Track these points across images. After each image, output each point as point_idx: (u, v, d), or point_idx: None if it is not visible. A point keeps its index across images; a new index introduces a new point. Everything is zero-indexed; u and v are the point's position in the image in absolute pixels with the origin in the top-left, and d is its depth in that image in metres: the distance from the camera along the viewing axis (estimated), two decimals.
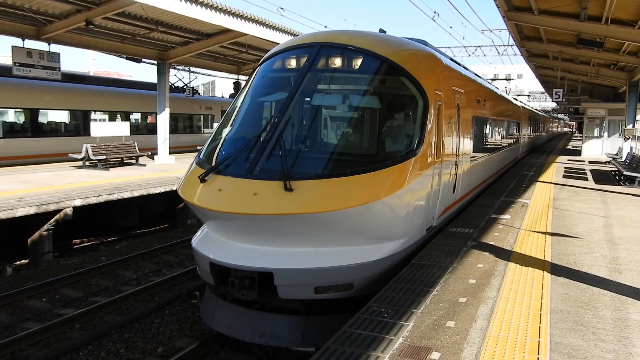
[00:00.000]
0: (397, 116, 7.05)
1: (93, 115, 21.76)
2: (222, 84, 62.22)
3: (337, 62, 6.72)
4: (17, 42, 14.99)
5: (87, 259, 11.68)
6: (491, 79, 34.49)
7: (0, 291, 9.38)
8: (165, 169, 17.93)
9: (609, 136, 28.84)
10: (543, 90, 49.80)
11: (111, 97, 22.74)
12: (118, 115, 23.11)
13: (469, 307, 5.11)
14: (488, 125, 13.01)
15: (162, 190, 14.00)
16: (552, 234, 8.41)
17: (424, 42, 8.68)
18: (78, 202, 11.59)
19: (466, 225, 8.86)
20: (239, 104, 7.30)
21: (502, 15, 15.13)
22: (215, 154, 6.63)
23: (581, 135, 38.04)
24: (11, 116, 19.68)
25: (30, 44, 15.38)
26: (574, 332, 4.59)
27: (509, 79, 46.63)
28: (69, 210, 11.34)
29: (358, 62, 6.74)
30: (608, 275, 6.34)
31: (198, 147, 16.45)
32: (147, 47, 18.99)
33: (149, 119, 25.09)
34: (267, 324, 6.20)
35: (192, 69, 27.81)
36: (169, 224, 16.01)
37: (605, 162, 24.06)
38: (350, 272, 6.06)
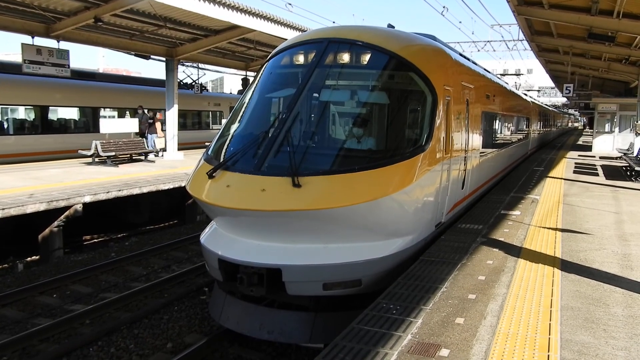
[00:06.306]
0: (406, 112, 7.00)
1: (102, 112, 21.86)
2: (231, 81, 62.37)
3: (346, 57, 6.68)
4: (27, 39, 15.07)
5: (97, 255, 11.75)
6: (501, 74, 34.22)
7: (11, 287, 9.46)
8: (174, 165, 17.98)
9: (620, 131, 28.53)
10: (553, 85, 49.43)
11: (120, 94, 22.83)
12: (127, 112, 23.21)
13: (479, 303, 5.08)
14: (497, 121, 12.92)
15: (171, 187, 14.05)
16: (563, 230, 8.34)
17: (433, 37, 8.61)
18: (88, 199, 11.66)
19: (475, 221, 8.80)
20: (246, 100, 7.29)
21: (512, 9, 15.02)
22: (224, 150, 6.62)
23: (591, 130, 37.71)
24: (21, 113, 19.82)
25: (40, 41, 15.46)
26: (584, 329, 4.54)
27: (519, 74, 46.28)
28: (79, 207, 11.40)
29: (366, 58, 6.70)
30: (619, 272, 6.27)
31: (206, 143, 16.45)
32: (156, 44, 19.02)
33: (158, 116, 25.15)
34: (275, 320, 6.21)
35: (201, 65, 27.81)
36: (178, 221, 16.06)
37: (616, 158, 23.83)
38: (359, 268, 6.04)
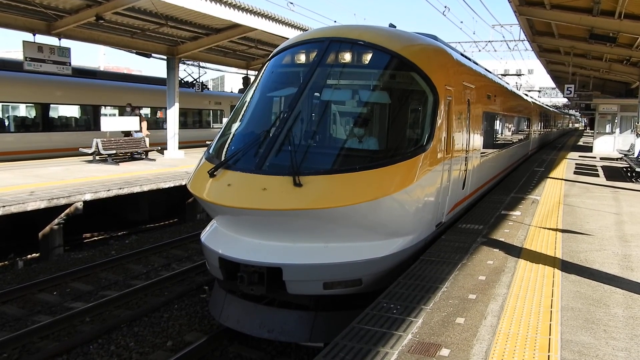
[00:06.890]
0: (407, 112, 6.99)
1: (103, 110, 21.85)
2: (231, 79, 62.32)
3: (347, 57, 6.68)
4: (28, 37, 15.09)
5: (98, 253, 11.76)
6: (502, 75, 34.21)
7: (11, 284, 9.46)
8: (175, 164, 17.98)
9: (620, 132, 28.52)
10: (554, 86, 49.37)
11: (121, 92, 22.82)
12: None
13: (479, 303, 5.08)
14: (498, 121, 12.91)
15: (172, 185, 14.05)
16: (563, 231, 8.34)
17: (435, 37, 8.61)
18: (88, 197, 11.66)
19: (476, 221, 8.80)
20: (248, 99, 7.28)
21: (513, 9, 15.00)
22: (225, 149, 6.62)
23: (592, 131, 37.70)
24: (22, 111, 19.80)
25: (41, 39, 15.47)
26: (585, 330, 4.55)
27: (520, 75, 46.29)
28: (80, 205, 11.40)
29: (368, 57, 6.70)
30: (620, 272, 6.27)
31: (207, 142, 16.36)
32: (157, 42, 19.02)
33: (159, 114, 25.16)
34: (275, 319, 6.21)
35: (202, 64, 27.84)
36: (178, 219, 16.06)
37: (616, 159, 23.82)
38: (359, 268, 6.04)
